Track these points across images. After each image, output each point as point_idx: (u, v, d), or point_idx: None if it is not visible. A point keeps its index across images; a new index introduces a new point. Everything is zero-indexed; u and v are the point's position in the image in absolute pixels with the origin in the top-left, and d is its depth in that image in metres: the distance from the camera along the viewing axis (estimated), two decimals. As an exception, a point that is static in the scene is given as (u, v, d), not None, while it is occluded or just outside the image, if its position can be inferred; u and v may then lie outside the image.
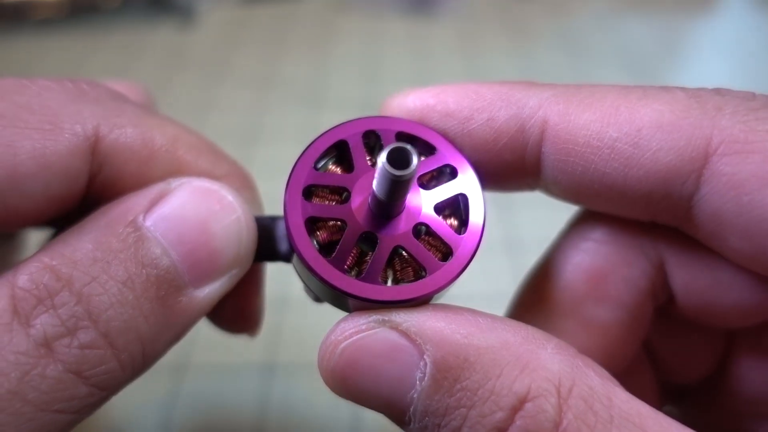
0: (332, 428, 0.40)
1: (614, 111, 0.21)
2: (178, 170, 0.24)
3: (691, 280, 0.24)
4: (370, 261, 0.20)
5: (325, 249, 0.21)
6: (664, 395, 0.29)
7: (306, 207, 0.21)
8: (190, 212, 0.22)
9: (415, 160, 0.18)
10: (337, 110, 0.70)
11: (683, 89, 0.21)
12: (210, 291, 0.23)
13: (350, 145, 0.22)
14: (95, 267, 0.20)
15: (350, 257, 0.21)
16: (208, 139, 0.27)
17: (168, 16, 0.89)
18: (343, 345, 0.19)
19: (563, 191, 0.23)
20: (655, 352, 0.29)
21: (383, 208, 0.20)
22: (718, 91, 0.21)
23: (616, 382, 0.19)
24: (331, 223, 0.21)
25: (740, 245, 0.20)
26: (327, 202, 0.21)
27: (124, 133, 0.23)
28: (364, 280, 0.20)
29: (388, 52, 0.82)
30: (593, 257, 0.25)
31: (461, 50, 0.82)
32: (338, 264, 0.20)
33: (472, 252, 0.21)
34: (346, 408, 0.40)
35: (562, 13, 0.91)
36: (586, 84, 0.22)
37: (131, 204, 0.22)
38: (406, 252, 0.21)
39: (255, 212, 0.24)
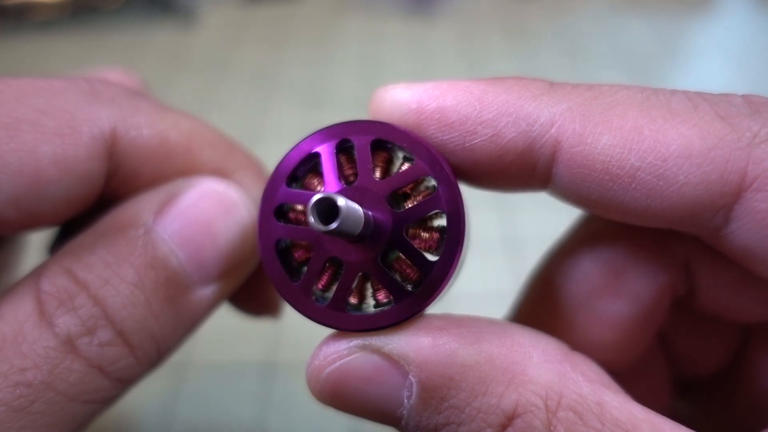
0: (332, 428, 0.40)
1: (636, 135, 0.19)
2: (192, 167, 0.25)
3: (718, 276, 0.24)
4: (335, 287, 0.20)
5: (304, 266, 0.20)
6: (678, 388, 0.29)
7: (276, 229, 0.20)
8: (198, 214, 0.23)
9: (343, 212, 0.16)
10: (337, 110, 0.70)
11: (711, 103, 0.19)
12: (218, 289, 0.24)
13: (321, 159, 0.20)
14: (108, 270, 0.21)
15: (322, 280, 0.20)
16: (221, 132, 0.27)
17: (169, 17, 0.89)
18: (327, 370, 0.19)
19: (575, 204, 0.22)
20: (670, 343, 0.28)
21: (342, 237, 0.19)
22: (749, 103, 0.19)
23: (609, 383, 0.19)
24: (305, 242, 0.20)
25: None
26: (300, 219, 0.21)
27: (141, 134, 0.23)
28: (330, 307, 0.19)
29: (388, 52, 0.82)
30: (613, 249, 0.24)
31: (461, 50, 0.82)
32: (305, 288, 0.20)
33: (446, 279, 0.19)
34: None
35: (562, 14, 0.91)
36: (602, 88, 0.20)
37: (141, 207, 0.23)
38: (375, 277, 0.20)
39: None
